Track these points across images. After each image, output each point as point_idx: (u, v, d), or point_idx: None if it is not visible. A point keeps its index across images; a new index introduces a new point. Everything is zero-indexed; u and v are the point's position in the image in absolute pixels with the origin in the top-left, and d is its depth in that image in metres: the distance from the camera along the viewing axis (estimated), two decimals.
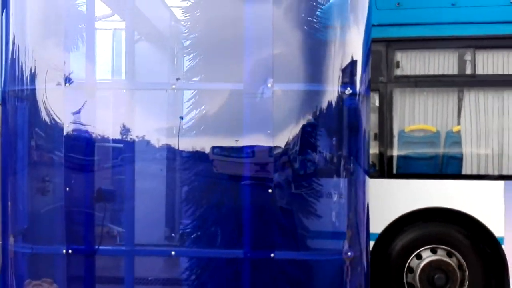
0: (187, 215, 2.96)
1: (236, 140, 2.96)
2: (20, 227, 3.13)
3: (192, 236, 2.98)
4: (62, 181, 3.01)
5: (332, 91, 3.00)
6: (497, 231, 4.01)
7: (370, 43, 3.17)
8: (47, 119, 3.04)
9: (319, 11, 3.13)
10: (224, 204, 2.95)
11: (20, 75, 3.09)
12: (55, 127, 3.00)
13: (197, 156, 2.96)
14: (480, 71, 4.23)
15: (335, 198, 3.00)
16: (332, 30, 3.06)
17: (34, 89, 3.07)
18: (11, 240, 3.16)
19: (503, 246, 4.00)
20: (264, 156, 2.90)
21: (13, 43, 3.12)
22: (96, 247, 2.97)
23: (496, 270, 4.09)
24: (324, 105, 2.99)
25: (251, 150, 2.91)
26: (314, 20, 3.11)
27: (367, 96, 3.13)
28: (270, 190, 2.87)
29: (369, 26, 3.15)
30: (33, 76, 3.08)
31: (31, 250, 3.07)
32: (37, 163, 3.08)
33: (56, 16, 3.06)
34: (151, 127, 3.01)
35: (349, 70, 3.04)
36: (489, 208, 4.04)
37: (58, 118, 2.98)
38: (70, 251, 2.95)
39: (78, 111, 2.94)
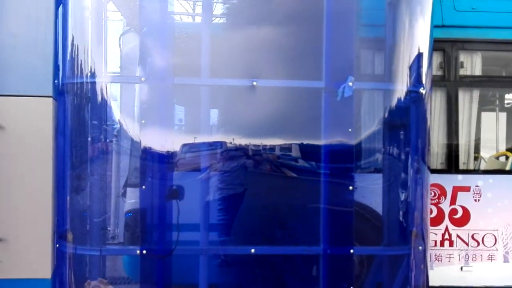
0: (267, 214, 2.95)
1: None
2: (84, 228, 2.98)
3: (273, 234, 2.97)
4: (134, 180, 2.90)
5: (404, 91, 3.09)
6: None
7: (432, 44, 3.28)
8: (120, 115, 2.91)
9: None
10: (305, 202, 2.97)
11: (86, 68, 2.92)
12: (129, 123, 2.86)
13: (277, 156, 2.95)
14: None
15: (406, 194, 3.11)
16: (402, 29, 3.13)
17: (102, 83, 2.91)
18: (70, 241, 3.00)
19: None
20: (345, 154, 2.94)
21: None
22: (172, 247, 2.89)
23: None
24: (401, 103, 3.07)
25: (332, 149, 2.94)
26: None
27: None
28: (351, 188, 2.93)
29: (432, 27, 3.26)
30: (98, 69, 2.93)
31: (99, 252, 2.93)
32: (107, 161, 2.94)
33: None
34: (230, 125, 2.96)
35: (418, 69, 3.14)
36: None
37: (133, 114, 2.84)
38: (144, 251, 2.86)
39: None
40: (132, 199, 3.24)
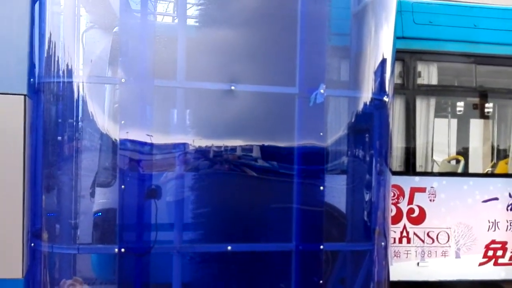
0: (244, 212, 3.08)
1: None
2: (63, 227, 2.98)
3: (249, 232, 3.10)
4: (109, 179, 2.94)
5: (369, 98, 3.32)
6: None
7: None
8: (95, 115, 2.94)
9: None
10: (278, 201, 3.13)
11: (62, 68, 2.93)
12: (107, 123, 2.91)
13: (252, 157, 3.08)
14: None
15: (370, 194, 3.34)
16: (368, 37, 3.35)
17: (78, 83, 2.94)
18: (45, 240, 3.00)
19: None
20: (317, 156, 3.12)
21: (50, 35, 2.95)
22: (149, 245, 2.96)
23: None
24: (366, 110, 3.29)
25: (304, 151, 3.12)
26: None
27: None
28: (321, 188, 3.11)
29: (395, 38, 3.52)
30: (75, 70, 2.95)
31: (77, 251, 2.95)
32: (83, 159, 2.96)
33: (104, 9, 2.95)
34: (206, 127, 3.06)
35: (382, 78, 3.37)
36: None
37: (113, 115, 2.89)
38: (122, 250, 2.91)
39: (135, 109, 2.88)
40: (102, 199, 3.27)
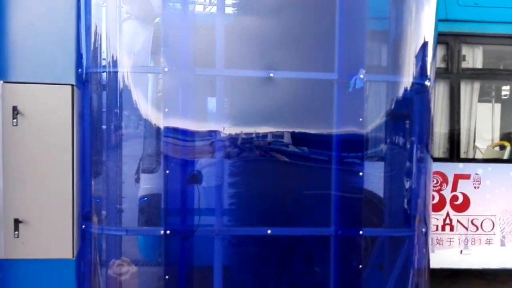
0: (283, 197, 3.14)
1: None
2: (111, 210, 3.14)
3: (288, 216, 3.16)
4: (153, 165, 3.06)
5: (410, 82, 3.27)
6: None
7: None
8: (139, 103, 3.06)
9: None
10: (316, 186, 3.16)
11: (108, 58, 3.06)
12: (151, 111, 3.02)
13: (290, 144, 3.12)
14: None
15: (410, 181, 3.30)
16: (409, 20, 3.28)
17: (123, 73, 3.06)
18: (95, 222, 3.17)
19: None
20: (356, 142, 3.11)
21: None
22: (193, 228, 3.07)
23: None
24: (406, 95, 3.24)
25: (344, 137, 3.12)
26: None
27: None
28: (361, 174, 3.11)
29: (437, 21, 3.43)
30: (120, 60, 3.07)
31: (125, 232, 3.11)
32: (128, 146, 3.10)
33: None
34: (248, 115, 3.12)
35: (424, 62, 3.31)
36: None
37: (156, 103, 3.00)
38: (168, 232, 3.04)
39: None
40: (148, 184, 3.41)
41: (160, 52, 3.07)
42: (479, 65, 4.59)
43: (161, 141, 3.04)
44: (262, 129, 3.15)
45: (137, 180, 3.38)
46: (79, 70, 3.14)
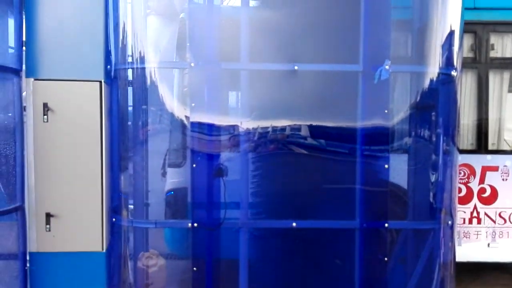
0: (308, 190, 3.15)
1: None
2: (138, 204, 3.21)
3: (313, 209, 3.17)
4: (179, 159, 3.11)
5: (436, 73, 3.22)
6: None
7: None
8: (167, 98, 3.11)
9: None
10: (341, 179, 3.16)
11: (135, 55, 3.11)
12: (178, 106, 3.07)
13: (315, 137, 3.12)
14: None
15: (436, 173, 3.27)
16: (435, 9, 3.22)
17: (150, 68, 3.11)
18: (125, 215, 3.24)
19: None
20: (382, 134, 3.09)
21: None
22: (219, 221, 3.12)
23: None
24: (432, 85, 3.20)
25: (369, 129, 3.10)
26: None
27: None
28: (386, 166, 3.09)
29: (463, 13, 3.35)
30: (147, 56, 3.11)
31: (154, 225, 3.17)
32: (156, 141, 3.16)
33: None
34: (272, 109, 3.13)
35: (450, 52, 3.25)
36: None
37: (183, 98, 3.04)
38: (195, 224, 3.09)
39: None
40: (175, 178, 3.47)
41: (185, 47, 3.11)
42: (508, 54, 4.48)
43: (187, 135, 3.08)
44: (286, 122, 3.17)
45: (164, 174, 3.44)
46: (108, 66, 3.20)
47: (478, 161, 4.41)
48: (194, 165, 3.04)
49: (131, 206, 3.21)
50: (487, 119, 4.45)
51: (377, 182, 3.11)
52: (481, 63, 4.42)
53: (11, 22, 3.12)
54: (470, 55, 4.40)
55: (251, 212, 3.19)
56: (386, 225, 3.12)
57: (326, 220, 3.17)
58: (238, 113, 3.23)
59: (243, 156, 3.16)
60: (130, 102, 3.19)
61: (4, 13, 3.13)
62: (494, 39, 4.43)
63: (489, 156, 4.43)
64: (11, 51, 3.14)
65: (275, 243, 3.23)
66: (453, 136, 3.30)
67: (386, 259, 3.13)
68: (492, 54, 4.44)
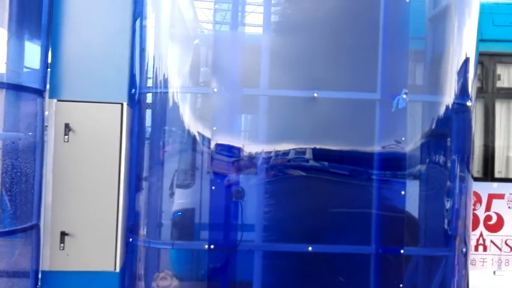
0: (324, 214, 3.19)
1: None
2: (155, 225, 3.22)
3: (329, 233, 3.20)
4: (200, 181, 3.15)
5: (452, 102, 3.31)
6: None
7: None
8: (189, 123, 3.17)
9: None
10: (357, 205, 3.20)
11: (159, 79, 3.18)
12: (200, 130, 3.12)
13: (333, 162, 3.18)
14: None
15: (451, 200, 3.32)
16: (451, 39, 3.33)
17: (174, 92, 3.17)
18: (142, 236, 3.25)
19: None
20: (399, 161, 3.16)
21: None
22: (237, 243, 3.13)
23: None
24: (448, 114, 3.28)
25: (386, 156, 3.17)
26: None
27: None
28: (403, 193, 3.15)
29: (478, 45, 3.47)
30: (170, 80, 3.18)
31: (171, 246, 3.18)
32: (177, 163, 3.20)
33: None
34: (291, 134, 3.19)
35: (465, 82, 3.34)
36: None
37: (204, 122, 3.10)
38: (212, 246, 3.10)
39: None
40: (183, 199, 3.49)
41: (198, 72, 3.18)
42: None
43: (205, 158, 3.13)
44: (304, 147, 3.22)
45: (171, 195, 3.47)
46: (133, 90, 3.26)
47: (484, 188, 4.47)
48: (213, 188, 3.07)
49: (151, 226, 3.23)
50: (493, 147, 4.54)
51: (393, 208, 3.16)
52: (488, 93, 4.54)
53: (38, 44, 3.18)
54: (477, 85, 4.52)
55: (268, 235, 3.21)
56: (402, 251, 3.15)
57: (342, 245, 3.19)
58: (259, 137, 3.28)
59: (261, 179, 3.20)
60: (154, 125, 3.24)
61: (32, 36, 3.20)
62: (500, 69, 4.56)
63: (495, 184, 4.51)
64: (34, 71, 3.20)
65: (289, 267, 3.24)
66: (468, 163, 3.37)
67: (401, 285, 3.14)
68: (499, 84, 4.56)
